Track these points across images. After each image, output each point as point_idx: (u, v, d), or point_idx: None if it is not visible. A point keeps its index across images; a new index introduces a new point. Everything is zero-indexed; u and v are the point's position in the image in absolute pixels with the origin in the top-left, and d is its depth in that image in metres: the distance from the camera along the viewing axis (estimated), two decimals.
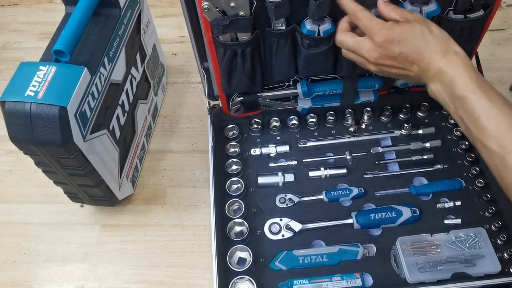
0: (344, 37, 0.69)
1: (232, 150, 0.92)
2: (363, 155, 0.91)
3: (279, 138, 0.95)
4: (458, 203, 0.83)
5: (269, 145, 0.93)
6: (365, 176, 0.88)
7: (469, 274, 0.74)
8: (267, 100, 0.92)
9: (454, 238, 0.77)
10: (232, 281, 0.76)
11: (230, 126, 0.96)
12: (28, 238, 0.94)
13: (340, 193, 0.85)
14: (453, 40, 0.63)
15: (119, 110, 0.87)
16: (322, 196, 0.85)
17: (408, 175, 0.87)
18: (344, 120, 0.95)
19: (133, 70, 0.93)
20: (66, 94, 0.70)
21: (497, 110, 0.57)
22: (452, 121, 0.93)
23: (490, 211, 0.82)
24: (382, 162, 0.89)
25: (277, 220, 0.83)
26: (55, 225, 0.95)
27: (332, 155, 0.91)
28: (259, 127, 0.95)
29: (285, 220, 0.83)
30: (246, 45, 0.78)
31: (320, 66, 0.82)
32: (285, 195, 0.86)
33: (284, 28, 0.77)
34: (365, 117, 0.94)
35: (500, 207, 0.82)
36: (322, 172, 0.88)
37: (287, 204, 0.85)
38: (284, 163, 0.91)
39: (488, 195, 0.83)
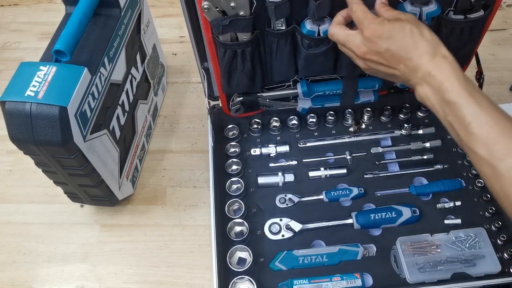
0: (335, 30, 0.69)
1: (232, 150, 0.92)
2: (363, 155, 0.91)
3: (279, 138, 0.95)
4: (458, 203, 0.83)
5: (269, 145, 0.93)
6: (365, 176, 0.88)
7: (469, 274, 0.74)
8: (267, 100, 0.92)
9: (454, 238, 0.77)
10: (232, 281, 0.76)
11: (230, 126, 0.96)
12: (28, 238, 0.94)
13: (340, 193, 0.85)
14: (443, 44, 0.62)
15: (119, 110, 0.88)
16: (322, 196, 0.85)
17: (408, 175, 0.87)
18: (344, 120, 0.95)
19: (133, 70, 0.93)
20: (66, 94, 0.70)
21: (487, 116, 0.56)
22: None
23: (490, 211, 0.82)
24: (382, 162, 0.89)
25: (277, 220, 0.83)
26: (55, 225, 0.95)
27: (332, 155, 0.91)
28: (259, 127, 0.95)
29: (285, 220, 0.83)
30: (246, 45, 0.78)
31: (320, 66, 0.82)
32: (285, 195, 0.86)
33: (284, 28, 0.77)
34: (365, 117, 0.94)
35: (500, 207, 0.82)
36: (322, 172, 0.88)
37: (287, 204, 0.85)
38: (284, 163, 0.91)
39: (488, 195, 0.83)
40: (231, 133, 0.96)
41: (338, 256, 0.79)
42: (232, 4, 0.71)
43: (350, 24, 0.71)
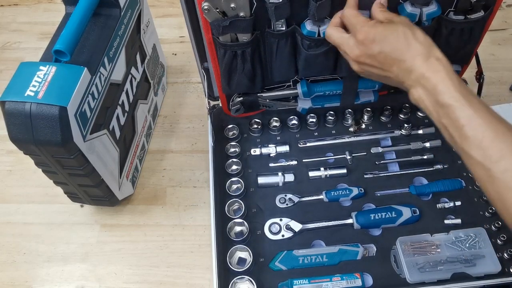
0: (331, 32, 0.69)
1: (232, 150, 0.92)
2: (363, 155, 0.91)
3: (279, 138, 0.95)
4: (458, 203, 0.83)
5: (269, 145, 0.93)
6: (365, 176, 0.88)
7: (469, 274, 0.74)
8: (267, 101, 0.92)
9: (454, 238, 0.77)
10: (232, 281, 0.76)
11: (230, 126, 0.96)
12: (28, 238, 0.94)
13: (340, 193, 0.85)
14: (436, 47, 0.62)
15: (119, 110, 0.88)
16: (322, 196, 0.85)
17: (408, 175, 0.87)
18: (344, 120, 0.95)
19: (133, 70, 0.93)
20: (66, 94, 0.70)
21: (481, 119, 0.56)
22: None
23: (490, 211, 0.82)
24: (382, 162, 0.89)
25: (277, 220, 0.83)
26: (55, 225, 0.95)
27: (332, 155, 0.91)
28: (259, 127, 0.95)
29: (285, 220, 0.83)
30: (246, 46, 0.78)
31: (320, 66, 0.82)
32: (285, 195, 0.86)
33: (284, 29, 0.77)
34: (365, 117, 0.94)
35: None
36: (322, 172, 0.88)
37: (287, 204, 0.85)
38: (284, 163, 0.91)
39: None
40: (231, 133, 0.96)
41: (338, 256, 0.79)
42: (232, 5, 0.71)
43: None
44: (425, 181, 0.87)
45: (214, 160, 0.90)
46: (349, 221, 0.82)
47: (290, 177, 0.88)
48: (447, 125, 0.59)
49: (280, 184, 0.88)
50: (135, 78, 0.94)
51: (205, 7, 0.71)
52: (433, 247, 0.77)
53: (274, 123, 0.95)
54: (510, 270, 0.75)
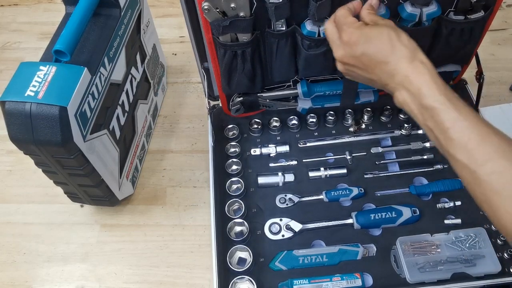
0: (328, 27, 0.68)
1: (232, 150, 0.93)
2: (363, 155, 0.91)
3: (279, 138, 0.95)
4: (458, 203, 0.83)
5: (269, 145, 0.93)
6: (365, 176, 0.88)
7: (469, 274, 0.74)
8: (267, 101, 0.92)
9: (454, 238, 0.77)
10: (232, 281, 0.76)
11: (230, 126, 0.96)
12: (28, 238, 0.94)
13: (340, 193, 0.85)
14: (421, 50, 0.62)
15: (119, 110, 0.88)
16: (322, 196, 0.85)
17: (408, 175, 0.87)
18: (344, 120, 0.95)
19: (133, 70, 0.93)
20: (66, 94, 0.70)
21: (466, 121, 0.56)
22: None
23: None
24: (382, 162, 0.89)
25: (277, 220, 0.83)
26: (55, 225, 0.95)
27: (332, 155, 0.91)
28: (259, 127, 0.95)
29: (285, 220, 0.83)
30: (246, 46, 0.78)
31: (320, 66, 0.82)
32: (285, 195, 0.86)
33: (284, 29, 0.77)
34: (365, 117, 0.94)
35: None
36: (322, 172, 0.88)
37: (287, 204, 0.85)
38: (284, 163, 0.91)
39: None
40: (231, 133, 0.96)
41: (338, 256, 0.79)
42: (232, 5, 0.71)
43: None
44: (425, 181, 0.87)
45: (214, 160, 0.90)
46: (349, 221, 0.82)
47: (290, 177, 0.88)
48: (432, 128, 0.58)
49: (280, 184, 0.88)
50: (135, 78, 0.94)
51: (205, 7, 0.71)
52: (433, 247, 0.77)
53: (274, 123, 0.95)
54: (510, 270, 0.76)
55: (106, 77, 0.81)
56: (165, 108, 1.13)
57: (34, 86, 0.69)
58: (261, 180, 0.88)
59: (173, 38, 1.28)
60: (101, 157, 0.81)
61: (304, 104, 0.93)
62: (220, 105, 0.96)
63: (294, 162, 0.91)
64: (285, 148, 0.92)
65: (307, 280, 0.76)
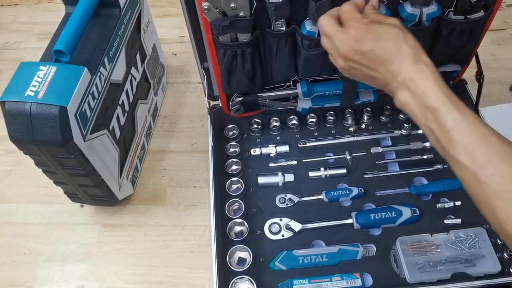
0: (325, 21, 0.67)
1: (232, 150, 0.93)
2: (363, 155, 0.91)
3: (279, 138, 0.95)
4: (458, 203, 0.83)
5: (269, 145, 0.93)
6: (365, 176, 0.88)
7: (469, 274, 0.74)
8: (267, 100, 0.92)
9: (454, 238, 0.77)
10: (232, 281, 0.76)
11: (230, 126, 0.96)
12: (28, 238, 0.94)
13: (340, 193, 0.85)
14: (424, 52, 0.62)
15: (119, 110, 0.88)
16: (322, 196, 0.85)
17: (408, 175, 0.87)
18: (344, 120, 0.95)
19: (133, 70, 0.93)
20: (66, 94, 0.70)
21: (468, 123, 0.56)
22: None
23: None
24: (382, 162, 0.89)
25: (277, 220, 0.83)
26: (55, 225, 0.95)
27: (332, 155, 0.91)
28: (259, 127, 0.95)
29: (285, 220, 0.83)
30: (246, 46, 0.78)
31: (320, 66, 0.82)
32: (285, 195, 0.86)
33: (284, 29, 0.77)
34: (365, 117, 0.94)
35: None
36: (322, 172, 0.88)
37: (287, 204, 0.85)
38: (284, 163, 0.91)
39: None
40: (231, 133, 0.96)
41: (338, 256, 0.79)
42: (232, 5, 0.71)
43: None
44: (425, 181, 0.87)
45: (214, 160, 0.90)
46: (349, 221, 0.82)
47: (290, 177, 0.88)
48: (434, 129, 0.59)
49: (280, 184, 0.88)
50: (135, 78, 0.94)
51: (205, 7, 0.71)
52: (433, 247, 0.77)
53: (274, 123, 0.95)
54: (510, 270, 0.76)
55: (106, 77, 0.81)
56: (165, 108, 1.13)
57: (34, 86, 0.69)
58: (261, 180, 0.88)
59: (173, 38, 1.28)
60: (101, 157, 0.81)
61: (304, 104, 0.93)
62: (220, 105, 0.96)
63: (294, 162, 0.91)
64: (285, 148, 0.92)
65: (307, 280, 0.76)
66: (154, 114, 1.08)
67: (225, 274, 0.78)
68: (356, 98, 0.92)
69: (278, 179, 0.88)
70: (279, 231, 0.82)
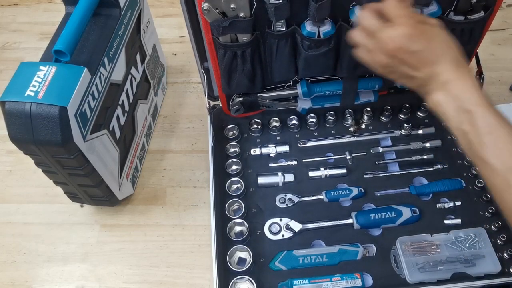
0: (368, 15, 0.64)
1: (232, 150, 0.93)
2: (363, 155, 0.91)
3: (279, 138, 0.95)
4: (458, 203, 0.83)
5: (269, 145, 0.93)
6: (365, 176, 0.88)
7: (469, 274, 0.74)
8: (267, 101, 0.92)
9: (454, 238, 0.77)
10: (232, 281, 0.76)
11: (230, 126, 0.96)
12: (28, 238, 0.94)
13: (340, 193, 0.85)
14: (463, 56, 0.63)
15: (119, 110, 0.88)
16: (322, 196, 0.85)
17: (408, 175, 0.88)
18: (344, 120, 0.95)
19: (133, 70, 0.93)
20: (66, 94, 0.70)
21: (503, 129, 0.57)
22: None
23: (490, 211, 0.82)
24: (382, 162, 0.89)
25: (277, 220, 0.83)
26: (55, 225, 0.95)
27: (332, 155, 0.91)
28: (259, 127, 0.95)
29: (285, 220, 0.83)
30: (246, 46, 0.78)
31: (320, 67, 0.82)
32: (285, 195, 0.86)
33: (284, 29, 0.77)
34: (365, 117, 0.94)
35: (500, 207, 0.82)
36: (322, 172, 0.88)
37: (287, 204, 0.85)
38: (284, 163, 0.91)
39: (488, 195, 0.83)
40: (231, 133, 0.96)
41: (338, 256, 0.79)
42: (232, 6, 0.71)
43: None
44: (425, 181, 0.87)
45: (214, 160, 0.90)
46: (349, 221, 0.82)
47: (290, 177, 0.88)
48: (468, 131, 0.59)
49: (280, 184, 0.88)
50: (135, 78, 0.94)
51: (205, 8, 0.71)
52: (433, 247, 0.77)
53: (274, 123, 0.95)
54: (510, 270, 0.76)
55: (106, 77, 0.81)
56: (165, 108, 1.13)
57: (34, 86, 0.69)
58: (261, 180, 0.88)
59: (173, 38, 1.27)
60: (101, 157, 0.81)
61: (304, 104, 0.93)
62: (220, 105, 0.96)
63: (294, 162, 0.91)
64: (285, 148, 0.92)
65: (307, 280, 0.76)
66: (154, 114, 1.08)
67: (225, 274, 0.78)
68: (356, 98, 0.93)
69: (278, 179, 0.88)
70: (279, 231, 0.82)
